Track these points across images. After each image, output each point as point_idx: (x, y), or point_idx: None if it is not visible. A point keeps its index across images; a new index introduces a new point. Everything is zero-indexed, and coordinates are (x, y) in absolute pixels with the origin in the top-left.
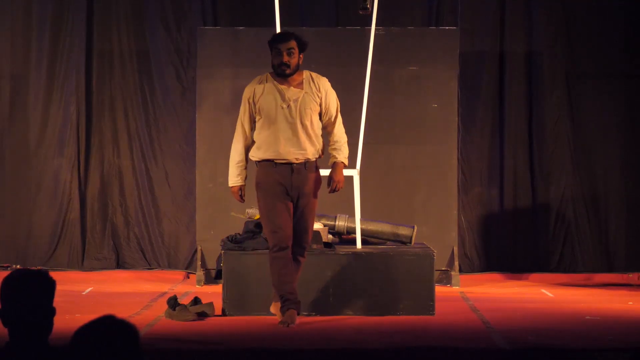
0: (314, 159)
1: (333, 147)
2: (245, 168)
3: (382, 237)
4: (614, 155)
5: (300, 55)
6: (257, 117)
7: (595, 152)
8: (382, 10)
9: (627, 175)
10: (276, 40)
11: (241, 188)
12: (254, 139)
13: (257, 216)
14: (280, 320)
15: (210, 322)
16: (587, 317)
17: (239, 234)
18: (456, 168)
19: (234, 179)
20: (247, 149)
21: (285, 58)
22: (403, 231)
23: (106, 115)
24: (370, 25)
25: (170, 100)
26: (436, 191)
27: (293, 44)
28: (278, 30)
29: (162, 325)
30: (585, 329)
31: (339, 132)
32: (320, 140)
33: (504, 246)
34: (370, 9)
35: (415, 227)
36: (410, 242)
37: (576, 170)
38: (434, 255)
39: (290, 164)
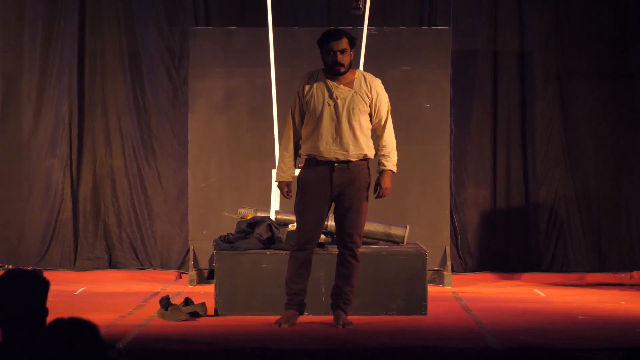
0: (356, 160)
1: (381, 152)
2: (294, 165)
3: (375, 237)
4: (607, 155)
5: (351, 52)
6: (306, 111)
7: (588, 152)
8: (374, 10)
9: (620, 175)
10: (328, 40)
11: (288, 184)
12: (302, 133)
13: (250, 216)
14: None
15: (202, 322)
16: (580, 317)
17: (231, 233)
18: (448, 168)
19: (281, 174)
20: (297, 144)
21: (339, 57)
22: (395, 231)
23: (98, 116)
24: (362, 25)
25: (162, 101)
26: (429, 191)
27: (345, 42)
28: (270, 30)
29: (155, 325)
30: (578, 329)
31: (389, 137)
32: (370, 142)
33: (496, 246)
34: (362, 9)
35: (408, 227)
36: (403, 242)
37: (569, 170)
38: (426, 255)
39: (331, 162)
